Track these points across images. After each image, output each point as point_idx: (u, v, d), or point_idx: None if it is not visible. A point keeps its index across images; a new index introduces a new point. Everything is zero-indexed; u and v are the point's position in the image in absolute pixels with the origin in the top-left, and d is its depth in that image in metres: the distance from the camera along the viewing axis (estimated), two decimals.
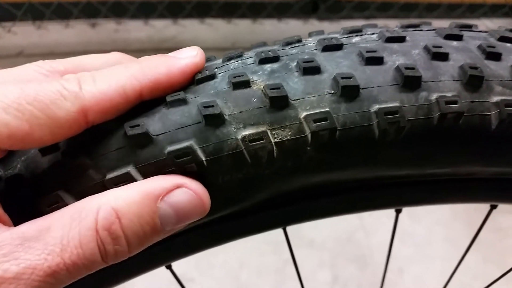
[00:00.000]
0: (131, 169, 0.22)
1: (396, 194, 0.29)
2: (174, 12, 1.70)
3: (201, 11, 1.71)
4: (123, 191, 0.21)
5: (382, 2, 1.78)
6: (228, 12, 1.73)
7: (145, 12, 1.68)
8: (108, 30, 1.70)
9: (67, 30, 1.68)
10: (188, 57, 0.24)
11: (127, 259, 0.21)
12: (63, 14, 1.63)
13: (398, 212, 0.36)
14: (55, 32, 1.67)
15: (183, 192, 0.21)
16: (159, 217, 0.21)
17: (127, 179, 0.22)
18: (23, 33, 1.64)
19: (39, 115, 0.20)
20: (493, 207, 0.36)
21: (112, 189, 0.21)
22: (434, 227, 1.12)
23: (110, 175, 0.22)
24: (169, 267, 0.36)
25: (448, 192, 0.30)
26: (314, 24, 1.81)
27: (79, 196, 0.22)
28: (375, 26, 0.27)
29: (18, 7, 1.57)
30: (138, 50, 1.62)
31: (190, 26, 1.72)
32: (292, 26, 1.79)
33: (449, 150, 0.24)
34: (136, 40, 1.67)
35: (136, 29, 1.70)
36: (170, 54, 0.24)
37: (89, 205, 0.20)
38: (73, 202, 0.22)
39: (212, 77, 0.24)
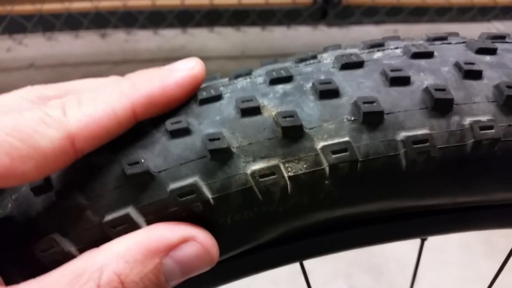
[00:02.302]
0: (130, 210, 0.20)
1: (423, 224, 0.26)
2: (183, 21, 1.69)
3: (211, 20, 1.70)
4: (124, 247, 0.19)
5: (392, 7, 1.75)
6: (238, 20, 1.72)
7: (155, 22, 1.68)
8: (118, 40, 1.70)
9: (77, 41, 1.69)
10: (184, 69, 0.21)
11: None
12: (73, 25, 1.64)
13: (423, 240, 0.34)
14: (65, 43, 1.68)
15: (191, 246, 0.19)
16: (164, 273, 0.19)
17: (126, 222, 0.19)
18: (34, 45, 1.65)
19: (19, 146, 0.18)
20: None
21: (113, 243, 0.19)
22: None
23: (108, 217, 0.20)
24: None
25: (478, 219, 0.28)
26: (323, 31, 1.79)
27: (75, 239, 0.20)
28: (398, 38, 0.25)
29: (29, 19, 1.57)
30: (148, 60, 1.61)
31: (199, 35, 1.71)
32: (302, 33, 1.77)
33: (483, 178, 0.22)
34: (146, 50, 1.66)
35: (145, 39, 1.70)
36: (165, 66, 0.22)
37: (89, 268, 0.18)
38: (69, 246, 0.20)
39: (217, 98, 0.21)
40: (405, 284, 1.03)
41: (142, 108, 0.20)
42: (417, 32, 1.70)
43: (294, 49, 1.64)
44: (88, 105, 0.19)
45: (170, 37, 1.71)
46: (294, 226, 0.22)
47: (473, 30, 1.75)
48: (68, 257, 0.20)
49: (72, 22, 1.62)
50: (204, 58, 0.24)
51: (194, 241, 0.19)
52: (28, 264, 0.19)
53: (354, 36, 1.76)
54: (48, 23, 1.61)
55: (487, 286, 0.37)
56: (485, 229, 0.29)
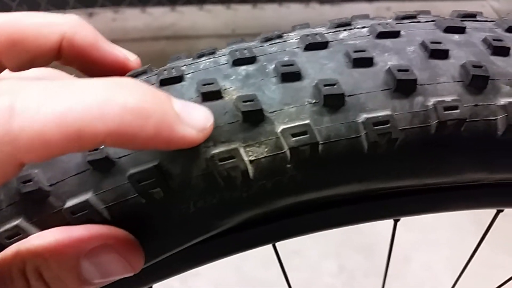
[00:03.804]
0: (91, 196, 0.19)
1: (394, 205, 0.26)
2: None
3: None
4: (44, 244, 0.19)
5: None
6: None
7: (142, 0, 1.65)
8: (106, 19, 1.67)
9: None
10: (193, 127, 0.17)
11: None
12: (59, 4, 1.60)
13: (396, 221, 0.34)
14: None
15: (108, 253, 0.19)
16: (82, 272, 0.19)
17: (85, 208, 0.19)
18: None
19: None
20: (499, 211, 0.33)
21: (33, 238, 0.19)
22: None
23: (69, 203, 0.20)
24: None
25: (450, 200, 0.28)
26: (315, 8, 1.76)
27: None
28: (367, 17, 0.24)
29: None
30: (136, 39, 1.58)
31: (189, 13, 1.68)
32: (293, 11, 1.74)
33: (450, 160, 0.21)
34: (134, 28, 1.63)
35: (133, 17, 1.67)
36: (178, 104, 0.17)
37: (13, 264, 0.19)
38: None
39: (179, 79, 0.21)
40: (395, 263, 1.04)
41: (112, 141, 0.16)
42: (410, 10, 1.67)
43: (286, 27, 1.61)
44: (51, 115, 0.14)
45: (159, 15, 1.68)
46: (261, 212, 0.22)
47: (467, 8, 1.72)
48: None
49: (58, 1, 1.59)
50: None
51: (111, 249, 0.19)
52: None
53: (347, 13, 1.71)
54: (33, 3, 1.57)
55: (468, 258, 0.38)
56: (456, 210, 0.29)
